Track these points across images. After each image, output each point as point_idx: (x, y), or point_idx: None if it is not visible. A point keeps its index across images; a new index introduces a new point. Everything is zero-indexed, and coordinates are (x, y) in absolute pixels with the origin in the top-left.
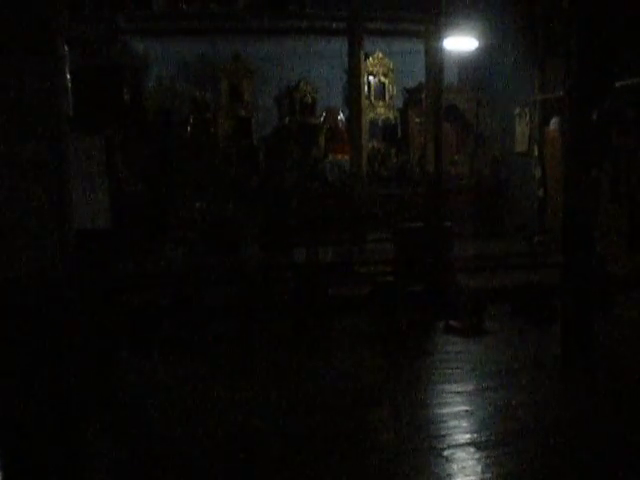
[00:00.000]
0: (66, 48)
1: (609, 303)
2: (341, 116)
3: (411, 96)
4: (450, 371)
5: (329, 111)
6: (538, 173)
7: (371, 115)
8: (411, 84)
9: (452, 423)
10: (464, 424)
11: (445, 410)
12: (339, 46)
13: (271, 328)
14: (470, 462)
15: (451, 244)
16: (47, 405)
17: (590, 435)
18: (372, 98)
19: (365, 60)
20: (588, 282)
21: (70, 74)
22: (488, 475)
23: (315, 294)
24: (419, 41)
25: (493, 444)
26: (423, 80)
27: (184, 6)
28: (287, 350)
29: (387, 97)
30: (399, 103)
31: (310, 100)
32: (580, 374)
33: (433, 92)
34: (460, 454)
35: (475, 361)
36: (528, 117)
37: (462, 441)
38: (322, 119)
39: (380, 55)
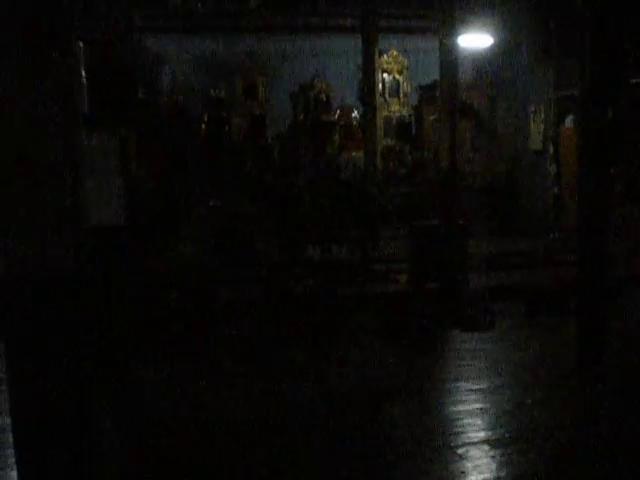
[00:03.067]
0: (81, 45)
1: (624, 301)
2: (355, 113)
3: (425, 93)
4: (464, 369)
5: (343, 108)
6: (553, 171)
7: (385, 113)
8: (425, 81)
9: (466, 421)
10: (478, 422)
11: (459, 408)
12: (353, 43)
13: (285, 326)
14: (484, 460)
15: (466, 242)
16: (60, 403)
17: (606, 433)
18: (386, 95)
19: (379, 57)
20: (604, 280)
21: (85, 71)
22: (502, 473)
23: (327, 292)
24: (433, 38)
25: (507, 442)
26: (437, 77)
27: (199, 4)
28: (301, 348)
29: (401, 94)
30: (413, 100)
31: (324, 97)
32: (596, 372)
33: (447, 89)
34: (474, 452)
35: (489, 359)
36: (543, 115)
37: (476, 439)
38: (336, 116)
39: (394, 52)
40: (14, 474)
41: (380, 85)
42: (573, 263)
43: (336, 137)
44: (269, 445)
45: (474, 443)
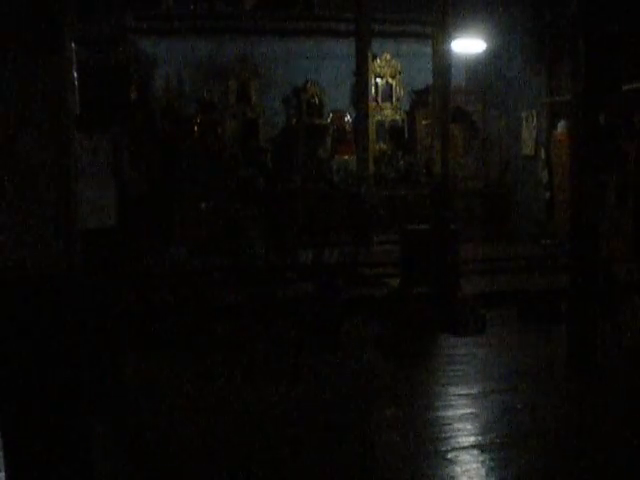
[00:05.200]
0: (73, 46)
1: (615, 307)
2: (348, 117)
3: (418, 98)
4: (455, 374)
5: (336, 112)
6: (545, 176)
7: (378, 117)
8: (418, 86)
9: (456, 425)
10: (468, 427)
11: (449, 412)
12: (347, 47)
13: (275, 329)
14: (474, 465)
15: (457, 247)
16: (51, 404)
17: (595, 438)
18: (379, 100)
19: (372, 62)
20: (594, 285)
21: (77, 73)
22: (492, 478)
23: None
24: (427, 43)
25: (497, 447)
26: (430, 82)
27: (192, 6)
28: (291, 351)
29: (394, 99)
30: (406, 105)
31: (317, 101)
32: (586, 377)
33: (440, 94)
34: (464, 457)
35: (480, 364)
36: (535, 120)
37: (466, 444)
38: (329, 120)
39: (388, 57)
40: (2, 475)
41: (373, 89)
42: (565, 268)
43: (328, 141)
44: (253, 448)
45: (464, 448)
